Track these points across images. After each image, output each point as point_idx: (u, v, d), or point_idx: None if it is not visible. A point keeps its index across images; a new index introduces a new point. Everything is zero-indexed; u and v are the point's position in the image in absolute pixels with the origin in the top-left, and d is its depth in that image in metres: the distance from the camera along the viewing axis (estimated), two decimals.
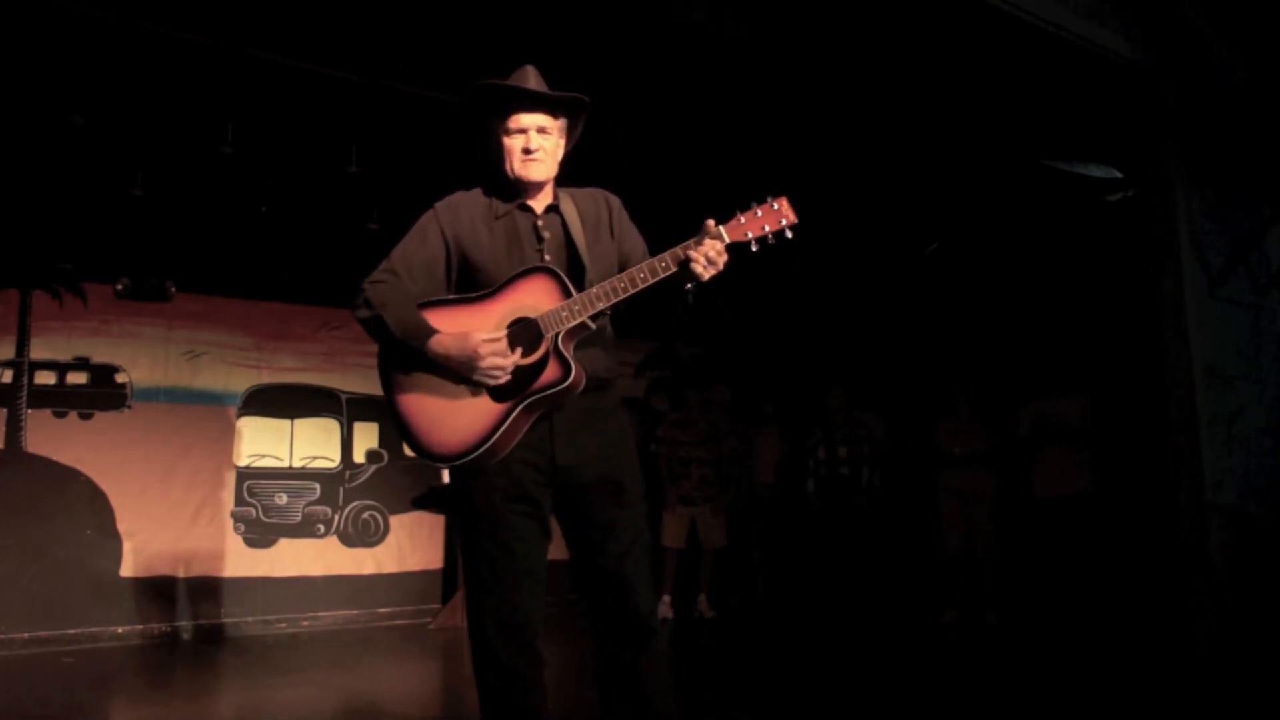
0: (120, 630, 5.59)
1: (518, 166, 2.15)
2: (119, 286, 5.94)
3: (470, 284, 2.15)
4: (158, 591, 5.76)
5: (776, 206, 2.02)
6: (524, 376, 2.02)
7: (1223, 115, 4.67)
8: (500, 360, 2.00)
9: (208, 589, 5.93)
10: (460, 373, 2.02)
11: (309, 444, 6.52)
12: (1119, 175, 5.25)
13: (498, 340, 2.01)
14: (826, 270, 6.78)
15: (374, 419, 6.77)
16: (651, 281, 2.01)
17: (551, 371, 2.01)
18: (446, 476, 6.52)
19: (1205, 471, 4.28)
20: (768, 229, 2.01)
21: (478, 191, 2.26)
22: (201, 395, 6.14)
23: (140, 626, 5.66)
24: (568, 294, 2.04)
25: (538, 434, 2.07)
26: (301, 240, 6.20)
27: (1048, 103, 4.72)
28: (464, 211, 2.21)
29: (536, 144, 2.14)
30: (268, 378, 6.42)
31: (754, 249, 2.03)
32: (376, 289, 2.11)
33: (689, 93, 4.69)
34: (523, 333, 2.04)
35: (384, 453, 6.77)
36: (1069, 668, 4.37)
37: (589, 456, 2.11)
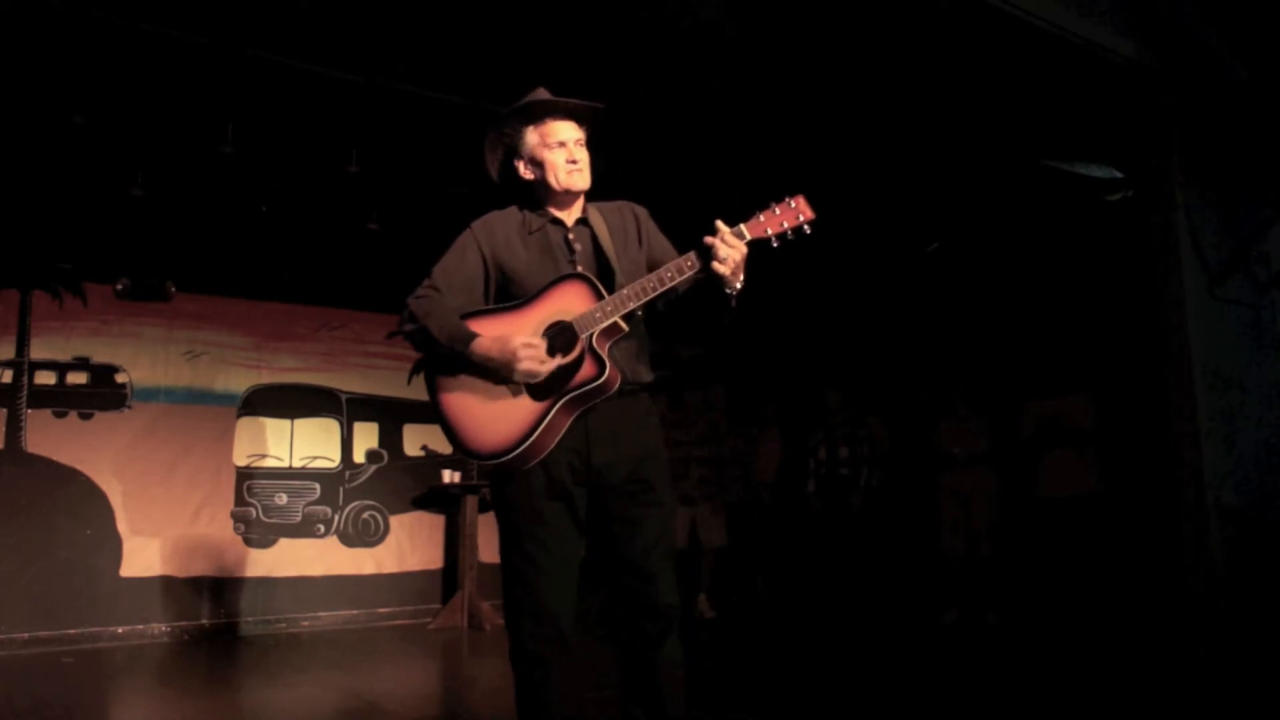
0: (120, 630, 5.60)
1: (563, 178, 2.25)
2: (119, 286, 5.95)
3: (507, 297, 2.25)
4: (158, 591, 5.76)
5: (794, 205, 2.13)
6: (561, 376, 2.13)
7: (1223, 115, 4.66)
8: (537, 365, 2.10)
9: (208, 589, 5.93)
10: (501, 374, 2.12)
11: (309, 444, 6.52)
12: (1119, 175, 5.24)
13: (535, 345, 2.12)
14: (827, 270, 6.78)
15: (374, 419, 6.78)
16: (679, 280, 2.12)
17: (587, 369, 2.12)
18: (447, 477, 6.54)
19: (1206, 471, 4.27)
20: (786, 225, 2.12)
21: (511, 209, 2.35)
22: (201, 395, 6.15)
23: (140, 626, 5.66)
24: (600, 297, 2.15)
25: (576, 434, 2.16)
26: (301, 240, 6.20)
27: (1048, 103, 4.72)
28: (499, 229, 2.30)
29: (578, 155, 2.27)
30: (268, 378, 6.42)
31: (775, 245, 2.14)
32: (419, 303, 2.20)
33: (688, 94, 4.69)
34: (560, 335, 2.15)
35: (384, 453, 6.78)
36: (1070, 668, 4.37)
37: (623, 457, 2.20)
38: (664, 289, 2.13)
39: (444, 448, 7.02)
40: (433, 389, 2.19)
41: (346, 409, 6.68)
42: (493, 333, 2.13)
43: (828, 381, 6.96)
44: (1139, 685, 4.01)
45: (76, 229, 5.73)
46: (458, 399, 2.16)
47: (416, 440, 6.93)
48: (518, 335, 2.12)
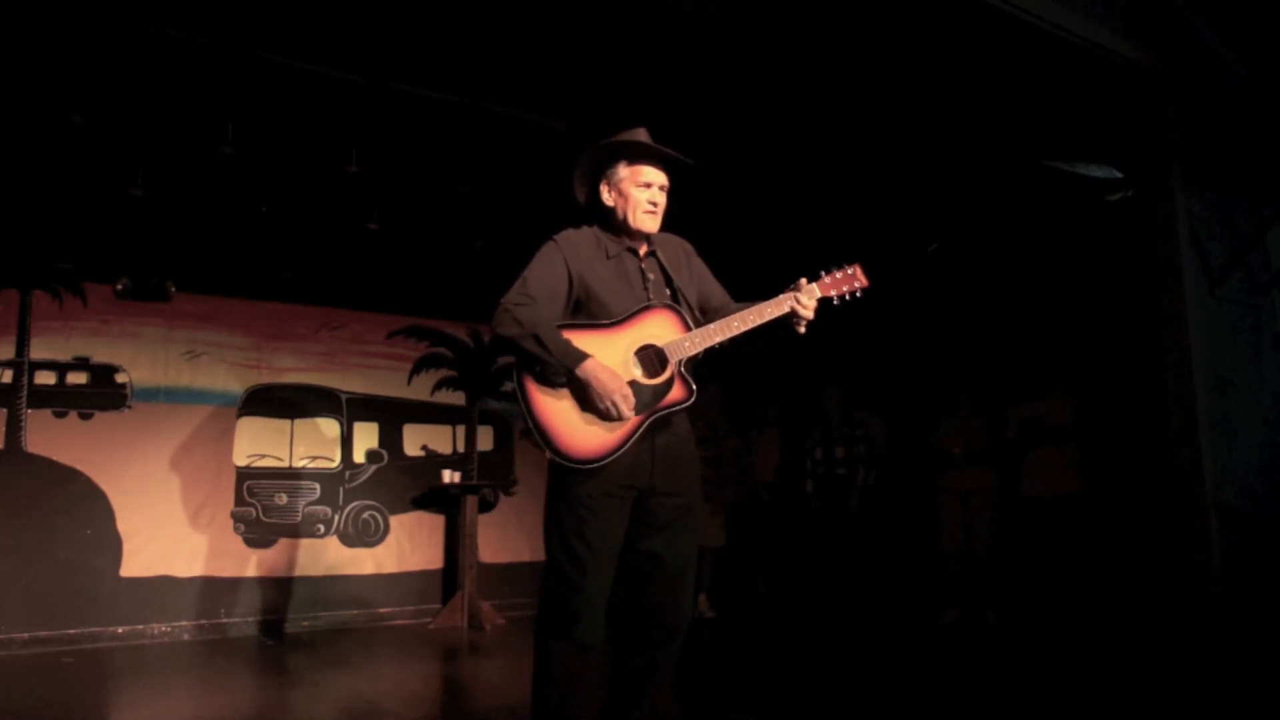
0: (120, 630, 5.60)
1: (640, 217, 2.47)
2: (119, 286, 5.94)
3: (586, 312, 2.44)
4: (158, 591, 5.76)
5: (852, 272, 2.54)
6: (653, 395, 2.35)
7: (1223, 115, 4.67)
8: (627, 408, 2.29)
9: (207, 589, 5.93)
10: (591, 397, 2.28)
11: (309, 444, 6.52)
12: (1119, 175, 5.24)
13: (629, 395, 2.32)
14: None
15: (374, 419, 6.77)
16: (759, 323, 2.41)
17: (677, 391, 2.38)
18: (447, 477, 6.54)
19: (1205, 471, 4.27)
20: (846, 289, 2.51)
21: (586, 229, 2.53)
22: (201, 395, 6.15)
23: (140, 626, 5.66)
24: (688, 327, 2.41)
25: (644, 442, 2.37)
26: (301, 240, 6.19)
27: (1048, 103, 4.72)
28: (583, 249, 2.47)
29: (660, 200, 2.49)
30: (268, 378, 6.42)
31: (835, 303, 2.49)
32: (523, 311, 2.34)
33: (688, 94, 4.69)
34: (650, 358, 2.38)
35: (384, 453, 6.77)
36: (1070, 667, 4.37)
37: (672, 467, 2.41)
38: (747, 329, 2.39)
39: (443, 448, 7.03)
40: (528, 391, 2.33)
41: (346, 409, 6.68)
42: (587, 348, 2.31)
43: (827, 381, 6.95)
44: (1139, 684, 4.01)
45: (76, 229, 5.73)
46: (558, 405, 2.31)
47: (416, 440, 6.92)
48: (615, 361, 2.33)
